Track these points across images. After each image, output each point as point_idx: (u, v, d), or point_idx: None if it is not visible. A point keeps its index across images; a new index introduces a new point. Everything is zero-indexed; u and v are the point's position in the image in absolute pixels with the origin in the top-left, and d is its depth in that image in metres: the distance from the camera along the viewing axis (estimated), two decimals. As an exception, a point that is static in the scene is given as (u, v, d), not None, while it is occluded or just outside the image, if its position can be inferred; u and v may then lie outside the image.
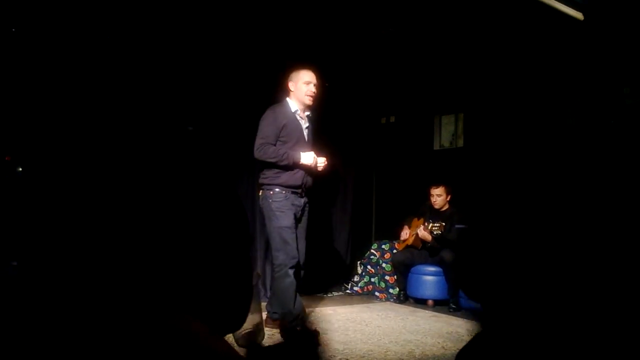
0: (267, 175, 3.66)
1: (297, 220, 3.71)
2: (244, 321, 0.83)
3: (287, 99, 3.76)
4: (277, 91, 4.02)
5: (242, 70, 4.85)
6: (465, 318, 4.36)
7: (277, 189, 3.62)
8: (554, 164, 0.77)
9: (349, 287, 5.84)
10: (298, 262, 3.61)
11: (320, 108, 4.11)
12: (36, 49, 3.66)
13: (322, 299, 5.43)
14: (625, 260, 0.69)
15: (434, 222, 5.02)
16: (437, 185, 5.14)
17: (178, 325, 0.69)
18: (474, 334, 0.76)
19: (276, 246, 3.62)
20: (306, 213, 3.82)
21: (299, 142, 3.68)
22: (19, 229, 3.15)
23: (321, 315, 4.27)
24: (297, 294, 3.62)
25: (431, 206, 5.23)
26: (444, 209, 5.16)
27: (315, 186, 5.53)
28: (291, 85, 3.74)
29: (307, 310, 4.59)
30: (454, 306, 4.76)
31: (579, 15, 4.05)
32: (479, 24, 4.32)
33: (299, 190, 3.68)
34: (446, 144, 5.87)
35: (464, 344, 0.75)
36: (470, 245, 0.80)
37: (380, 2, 4.02)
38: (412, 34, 4.66)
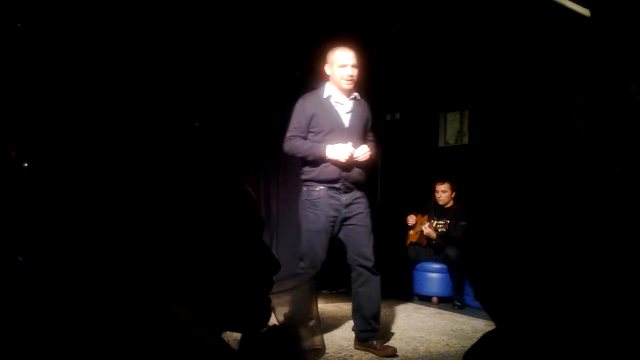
0: (304, 171, 3.27)
1: (343, 220, 3.24)
2: (263, 320, 0.82)
3: (326, 83, 3.31)
4: (294, 82, 3.85)
5: (248, 66, 4.85)
6: (470, 315, 4.35)
7: (311, 185, 3.22)
8: (560, 162, 0.76)
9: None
10: (320, 272, 3.23)
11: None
12: (42, 45, 3.67)
13: (327, 295, 5.43)
14: (631, 256, 0.69)
15: (438, 220, 5.02)
16: (443, 181, 5.14)
17: (180, 321, 0.69)
18: (480, 333, 0.76)
19: (301, 250, 3.28)
20: (362, 209, 3.28)
21: (334, 131, 3.19)
22: (25, 225, 3.17)
23: (326, 311, 4.28)
24: (317, 306, 3.38)
25: (436, 203, 5.22)
26: (448, 205, 5.16)
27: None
28: (327, 68, 3.27)
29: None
30: (458, 303, 4.75)
31: (585, 11, 4.02)
32: (485, 21, 4.31)
33: (338, 185, 3.19)
34: (451, 141, 5.86)
35: (468, 341, 0.75)
36: (475, 243, 0.80)
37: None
38: (418, 30, 4.64)
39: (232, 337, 0.82)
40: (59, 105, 3.68)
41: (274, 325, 0.90)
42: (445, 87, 5.64)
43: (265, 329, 0.87)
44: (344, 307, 4.61)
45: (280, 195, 5.39)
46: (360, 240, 3.25)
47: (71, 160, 3.59)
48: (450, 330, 3.91)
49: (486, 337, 0.75)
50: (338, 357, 3.17)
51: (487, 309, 0.77)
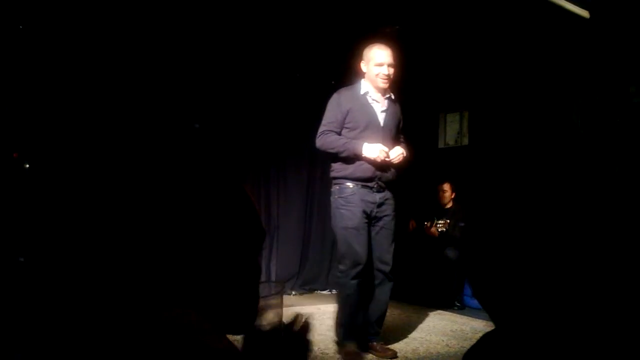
0: (334, 168, 3.18)
1: (372, 219, 3.15)
2: (253, 323, 0.83)
3: (362, 80, 3.25)
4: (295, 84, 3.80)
5: (248, 69, 4.86)
6: (470, 316, 4.36)
7: (344, 183, 3.13)
8: (559, 163, 0.77)
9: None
10: (362, 270, 3.08)
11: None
12: (43, 48, 3.68)
13: (326, 296, 5.43)
14: (630, 256, 0.69)
15: (438, 220, 5.04)
16: (446, 182, 5.18)
17: (178, 319, 0.70)
18: (479, 334, 0.76)
19: (339, 249, 3.16)
20: (390, 212, 3.21)
21: (369, 128, 3.13)
22: (26, 225, 3.17)
23: (326, 312, 4.27)
24: (361, 306, 3.14)
25: (436, 204, 5.24)
26: (448, 206, 5.17)
27: (319, 183, 5.57)
28: (363, 66, 3.22)
29: (310, 308, 4.60)
30: (458, 304, 4.76)
31: (585, 13, 4.03)
32: (485, 22, 4.31)
33: (372, 184, 3.12)
34: (451, 142, 5.86)
35: (468, 342, 0.76)
36: (473, 243, 0.81)
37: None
38: (417, 31, 4.65)
39: (232, 338, 0.83)
40: (60, 107, 3.69)
41: (274, 328, 0.90)
42: (445, 88, 5.64)
43: (265, 330, 0.88)
44: (344, 308, 4.61)
45: (280, 199, 5.40)
46: (384, 243, 3.18)
47: (72, 162, 3.60)
48: (450, 330, 3.91)
49: (485, 337, 0.76)
50: (338, 358, 3.18)
51: (487, 308, 0.78)
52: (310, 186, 5.59)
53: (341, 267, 3.14)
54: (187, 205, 0.77)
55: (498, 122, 5.17)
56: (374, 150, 3.05)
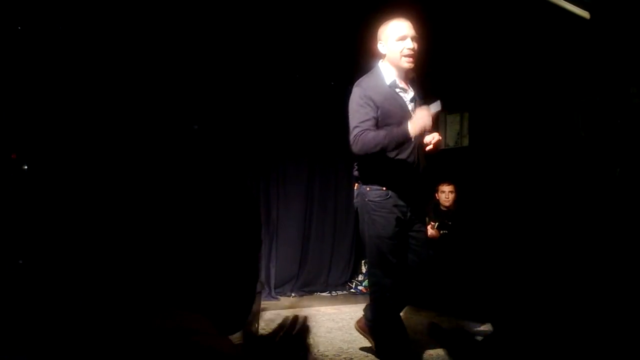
0: (361, 168, 2.82)
1: (404, 224, 2.80)
2: (245, 324, 0.83)
3: (379, 63, 2.79)
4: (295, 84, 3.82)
5: (248, 70, 4.86)
6: (470, 319, 4.34)
7: (376, 188, 2.74)
8: (560, 164, 0.77)
9: (353, 286, 5.84)
10: (396, 284, 2.76)
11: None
12: (42, 48, 3.67)
13: (326, 298, 5.43)
14: (631, 257, 0.69)
15: (440, 222, 5.02)
16: (449, 182, 5.15)
17: (185, 323, 0.69)
18: (480, 335, 0.76)
19: (372, 260, 2.80)
20: (421, 214, 2.94)
21: (404, 123, 2.64)
22: (25, 227, 3.16)
23: (325, 314, 4.27)
24: (401, 321, 2.84)
25: (436, 205, 5.23)
26: (449, 208, 5.16)
27: (318, 185, 5.56)
28: (381, 47, 2.76)
29: (309, 310, 4.59)
30: (457, 306, 4.75)
31: (585, 14, 4.03)
32: (486, 23, 4.31)
33: (405, 188, 2.79)
34: (451, 143, 5.86)
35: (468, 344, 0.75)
36: (474, 246, 0.80)
37: (386, 0, 4.01)
38: (418, 32, 4.64)
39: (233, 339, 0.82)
40: (59, 108, 3.68)
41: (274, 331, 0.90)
42: (445, 89, 5.64)
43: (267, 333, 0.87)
44: (344, 310, 4.60)
45: (280, 200, 5.39)
46: (423, 243, 2.90)
47: (72, 163, 3.59)
48: (451, 332, 3.90)
49: (486, 340, 0.75)
50: (338, 360, 3.17)
51: (488, 312, 0.77)
52: (310, 188, 5.58)
53: (372, 279, 2.86)
54: (188, 207, 0.76)
55: (499, 123, 5.17)
56: (420, 120, 2.59)
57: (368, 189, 2.77)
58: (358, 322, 3.15)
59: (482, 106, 5.42)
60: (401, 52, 2.68)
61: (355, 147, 2.65)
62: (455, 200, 5.16)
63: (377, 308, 2.81)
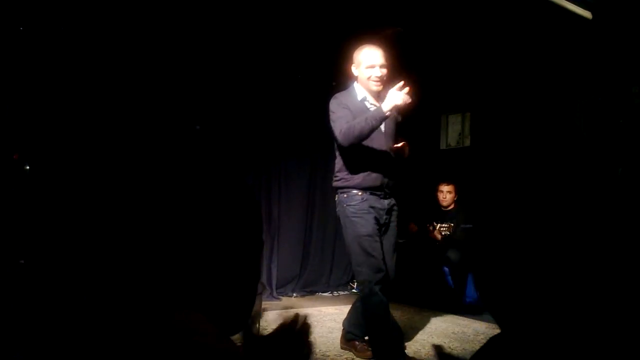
0: (340, 177, 3.07)
1: (382, 225, 3.05)
2: (245, 324, 0.83)
3: (355, 83, 3.11)
4: (294, 84, 3.79)
5: (249, 69, 4.86)
6: (472, 318, 4.34)
7: (352, 193, 3.00)
8: (562, 164, 0.76)
9: (355, 286, 5.84)
10: (386, 276, 2.97)
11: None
12: (44, 49, 3.68)
13: (327, 298, 5.43)
14: (634, 258, 0.68)
15: (441, 223, 5.02)
16: (448, 182, 5.14)
17: (186, 323, 0.69)
18: (482, 335, 0.75)
19: (357, 259, 2.97)
20: (394, 219, 3.13)
21: (371, 136, 2.94)
22: (27, 227, 3.17)
23: (327, 314, 4.27)
24: (390, 314, 3.04)
25: (438, 205, 5.22)
26: (449, 208, 5.15)
27: (320, 184, 5.56)
28: (354, 69, 3.07)
29: (310, 310, 4.59)
30: (460, 306, 4.74)
31: (587, 14, 4.02)
32: (487, 23, 4.31)
33: (379, 193, 3.03)
34: (453, 144, 5.85)
35: (470, 344, 0.75)
36: (479, 246, 0.80)
37: (388, 1, 4.01)
38: (419, 33, 4.64)
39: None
40: (61, 109, 3.69)
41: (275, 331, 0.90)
42: (447, 89, 5.64)
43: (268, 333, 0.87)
44: (345, 310, 4.59)
45: (282, 201, 5.39)
46: (388, 251, 3.08)
47: (73, 164, 3.59)
48: (452, 332, 3.90)
49: (492, 341, 0.75)
50: (340, 360, 3.17)
51: (492, 312, 0.77)
52: (312, 188, 5.58)
53: (360, 278, 3.02)
54: (189, 207, 0.76)
55: (500, 123, 5.16)
56: (395, 97, 2.85)
57: (345, 196, 3.03)
58: (340, 340, 3.32)
59: (484, 106, 5.41)
60: (369, 77, 3.01)
61: (343, 140, 2.91)
62: (456, 201, 5.15)
63: (368, 304, 2.97)
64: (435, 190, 5.23)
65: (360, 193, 2.99)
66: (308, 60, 5.00)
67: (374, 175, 3.00)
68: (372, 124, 2.85)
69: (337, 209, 3.11)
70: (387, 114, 2.85)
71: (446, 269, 4.93)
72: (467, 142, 5.68)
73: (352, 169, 3.01)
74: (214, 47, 4.53)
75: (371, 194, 3.00)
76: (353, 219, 2.98)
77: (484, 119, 5.44)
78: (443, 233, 4.97)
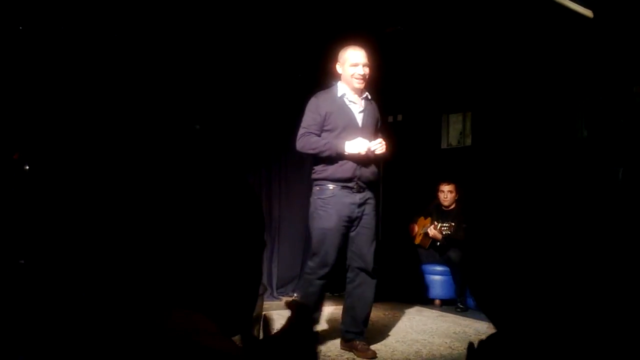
0: (316, 170, 3.25)
1: (353, 220, 3.21)
2: (246, 324, 0.83)
3: (338, 82, 3.32)
4: (294, 84, 3.87)
5: (249, 69, 4.85)
6: (473, 318, 4.34)
7: (324, 184, 3.19)
8: (562, 164, 0.76)
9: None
10: (329, 275, 3.19)
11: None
12: (44, 48, 3.67)
13: (328, 297, 5.41)
14: (633, 259, 0.68)
15: (442, 222, 5.01)
16: (449, 182, 5.15)
17: (186, 323, 0.69)
18: (483, 335, 0.75)
19: (312, 248, 3.24)
20: (370, 211, 3.26)
21: (347, 130, 3.18)
22: (27, 227, 3.17)
23: (328, 314, 4.27)
24: (321, 308, 3.31)
25: (438, 205, 5.22)
26: (451, 207, 5.15)
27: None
28: (338, 67, 3.29)
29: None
30: (461, 306, 4.74)
31: (588, 12, 4.01)
32: (488, 22, 4.30)
33: (352, 185, 3.17)
34: (454, 143, 5.85)
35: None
36: (475, 245, 0.79)
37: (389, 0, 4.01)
38: (420, 32, 4.64)
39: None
40: (61, 108, 3.68)
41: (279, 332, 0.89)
42: (448, 89, 5.64)
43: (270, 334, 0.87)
44: (347, 310, 4.59)
45: (282, 198, 5.38)
46: (365, 242, 3.23)
47: (73, 163, 3.59)
48: (453, 332, 3.90)
49: (487, 341, 0.74)
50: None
51: (486, 311, 0.76)
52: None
53: (310, 264, 3.23)
54: (190, 207, 0.76)
55: (501, 122, 5.16)
56: (357, 145, 3.12)
57: (318, 188, 3.22)
58: (340, 342, 3.35)
59: (485, 106, 5.41)
60: (353, 75, 3.22)
61: (298, 145, 3.24)
62: (457, 200, 5.15)
63: (305, 292, 3.26)
64: (436, 190, 5.24)
65: (331, 187, 3.16)
66: (308, 59, 5.00)
67: (346, 167, 3.14)
68: (326, 152, 3.13)
69: (310, 199, 3.30)
70: (344, 153, 3.11)
71: (448, 268, 4.93)
72: (468, 142, 5.67)
73: (325, 161, 3.18)
74: (214, 47, 4.53)
75: (343, 187, 3.16)
76: (319, 211, 3.17)
77: (485, 119, 5.44)
78: (444, 232, 4.97)
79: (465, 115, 5.72)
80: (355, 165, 3.14)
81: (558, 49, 4.41)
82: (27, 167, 3.33)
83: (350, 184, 3.17)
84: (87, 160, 3.62)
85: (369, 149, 3.13)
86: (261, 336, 0.91)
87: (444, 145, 5.91)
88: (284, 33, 4.49)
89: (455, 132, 5.82)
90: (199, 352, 0.65)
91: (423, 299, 5.12)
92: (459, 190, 5.15)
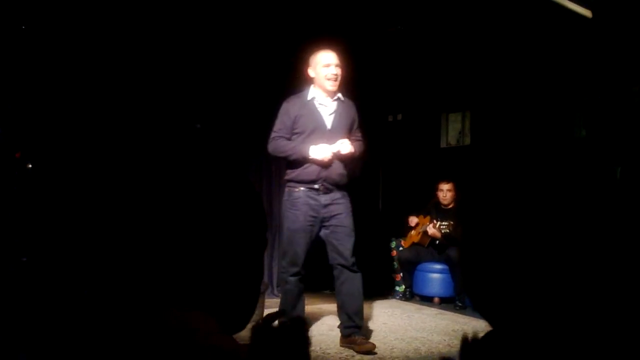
0: (286, 172, 3.39)
1: (321, 220, 3.30)
2: (248, 322, 0.84)
3: (311, 86, 3.36)
4: (294, 82, 3.89)
5: (248, 67, 4.86)
6: (471, 316, 4.35)
7: (292, 186, 3.31)
8: (561, 163, 0.77)
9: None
10: (300, 271, 3.34)
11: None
12: (46, 48, 3.68)
13: (328, 296, 5.42)
14: (631, 258, 0.69)
15: (442, 221, 5.03)
16: (448, 181, 5.15)
17: (186, 321, 0.70)
18: (481, 334, 0.76)
19: (283, 248, 3.44)
20: (343, 210, 3.32)
21: (315, 132, 3.25)
22: (29, 225, 3.18)
23: (327, 312, 4.28)
24: (303, 301, 3.42)
25: (437, 204, 5.23)
26: (450, 206, 5.16)
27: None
28: (311, 71, 3.32)
29: (310, 307, 4.60)
30: (460, 304, 4.75)
31: (587, 12, 4.02)
32: (487, 22, 4.31)
33: (317, 186, 3.26)
34: (453, 142, 5.85)
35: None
36: (471, 244, 0.80)
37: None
38: (420, 31, 4.65)
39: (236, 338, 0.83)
40: (63, 108, 3.69)
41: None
42: (447, 88, 5.64)
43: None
44: (346, 308, 4.60)
45: (282, 196, 5.38)
46: (339, 240, 3.32)
47: (75, 162, 3.60)
48: (452, 330, 3.91)
49: (484, 339, 0.75)
50: (340, 358, 3.18)
51: (482, 311, 0.77)
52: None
53: (283, 263, 3.45)
54: (192, 205, 0.77)
55: (500, 122, 5.16)
56: (320, 151, 3.18)
57: (287, 189, 3.35)
58: (340, 339, 3.37)
59: (484, 105, 5.41)
60: (325, 76, 3.24)
61: (269, 148, 3.36)
62: (456, 199, 5.16)
63: (282, 284, 3.46)
64: (435, 189, 5.24)
65: (297, 189, 3.28)
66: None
67: (310, 169, 3.23)
68: (293, 156, 3.25)
69: (282, 200, 3.45)
70: (309, 157, 3.19)
71: (447, 266, 4.94)
72: (467, 141, 5.68)
73: (294, 164, 3.29)
74: (214, 46, 4.53)
75: (309, 189, 3.26)
76: (287, 213, 3.31)
77: (484, 118, 5.44)
78: (443, 231, 4.99)
79: (465, 114, 5.72)
80: (319, 167, 3.22)
81: (557, 49, 4.42)
82: (30, 166, 3.34)
83: (315, 186, 3.25)
84: (89, 159, 3.63)
85: (332, 155, 3.20)
86: (260, 332, 0.92)
87: (443, 145, 5.92)
88: (284, 33, 4.50)
89: (454, 131, 5.83)
90: (202, 350, 0.66)
91: (422, 297, 5.13)
92: (457, 189, 5.16)
